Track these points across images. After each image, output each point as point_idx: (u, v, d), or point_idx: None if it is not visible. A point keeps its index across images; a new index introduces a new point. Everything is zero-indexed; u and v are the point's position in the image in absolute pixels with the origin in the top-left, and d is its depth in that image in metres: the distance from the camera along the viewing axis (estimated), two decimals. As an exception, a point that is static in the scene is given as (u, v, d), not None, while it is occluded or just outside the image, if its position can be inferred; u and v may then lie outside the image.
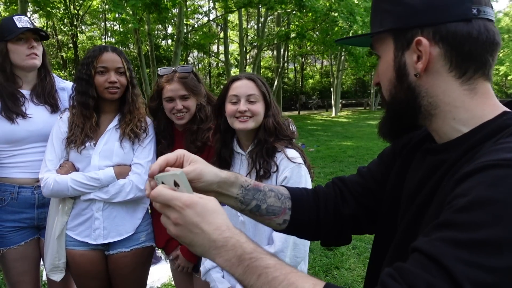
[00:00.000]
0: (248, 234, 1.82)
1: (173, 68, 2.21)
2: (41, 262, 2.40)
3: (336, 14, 15.11)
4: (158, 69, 2.27)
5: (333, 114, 26.05)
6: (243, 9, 17.96)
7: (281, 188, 1.15)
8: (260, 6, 17.73)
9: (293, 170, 1.77)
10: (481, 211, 0.61)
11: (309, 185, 1.78)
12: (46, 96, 2.34)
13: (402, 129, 0.97)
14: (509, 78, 51.32)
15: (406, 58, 0.86)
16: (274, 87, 24.04)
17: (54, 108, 2.35)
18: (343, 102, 33.42)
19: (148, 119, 2.31)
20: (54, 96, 2.39)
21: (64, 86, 2.49)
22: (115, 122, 2.22)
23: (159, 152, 2.27)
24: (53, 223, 2.18)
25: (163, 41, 28.74)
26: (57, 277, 2.19)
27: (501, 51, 43.78)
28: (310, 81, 40.65)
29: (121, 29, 26.81)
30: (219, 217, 0.80)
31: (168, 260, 2.52)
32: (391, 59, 0.89)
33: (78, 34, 23.97)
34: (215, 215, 0.80)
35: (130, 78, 2.20)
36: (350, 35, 16.14)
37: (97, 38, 29.15)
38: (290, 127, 1.94)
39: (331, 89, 28.34)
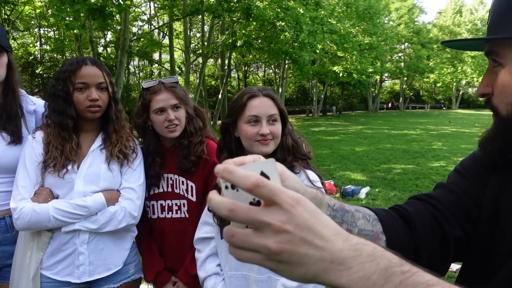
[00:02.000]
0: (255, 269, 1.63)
1: (159, 80, 2.06)
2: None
3: (283, 23, 15.26)
4: (142, 83, 2.08)
5: (279, 122, 26.23)
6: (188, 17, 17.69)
7: (364, 208, 0.94)
8: (205, 14, 17.52)
9: None
10: None
11: None
12: (6, 121, 1.97)
13: None
14: (438, 85, 55.06)
15: None
16: (220, 95, 23.83)
17: (15, 138, 1.96)
18: (287, 109, 33.95)
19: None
20: (16, 122, 2.00)
21: (35, 108, 2.11)
22: (98, 142, 1.95)
23: (154, 172, 2.04)
24: (24, 262, 1.85)
25: (104, 49, 27.55)
26: None
27: (431, 60, 46.92)
28: (254, 89, 40.92)
29: (56, 36, 25.55)
30: (328, 217, 0.57)
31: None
32: None
33: (10, 41, 22.39)
34: (324, 215, 0.56)
35: (112, 94, 1.94)
36: (298, 44, 16.49)
37: (31, 45, 27.47)
38: (304, 146, 1.79)
39: (276, 97, 28.57)
